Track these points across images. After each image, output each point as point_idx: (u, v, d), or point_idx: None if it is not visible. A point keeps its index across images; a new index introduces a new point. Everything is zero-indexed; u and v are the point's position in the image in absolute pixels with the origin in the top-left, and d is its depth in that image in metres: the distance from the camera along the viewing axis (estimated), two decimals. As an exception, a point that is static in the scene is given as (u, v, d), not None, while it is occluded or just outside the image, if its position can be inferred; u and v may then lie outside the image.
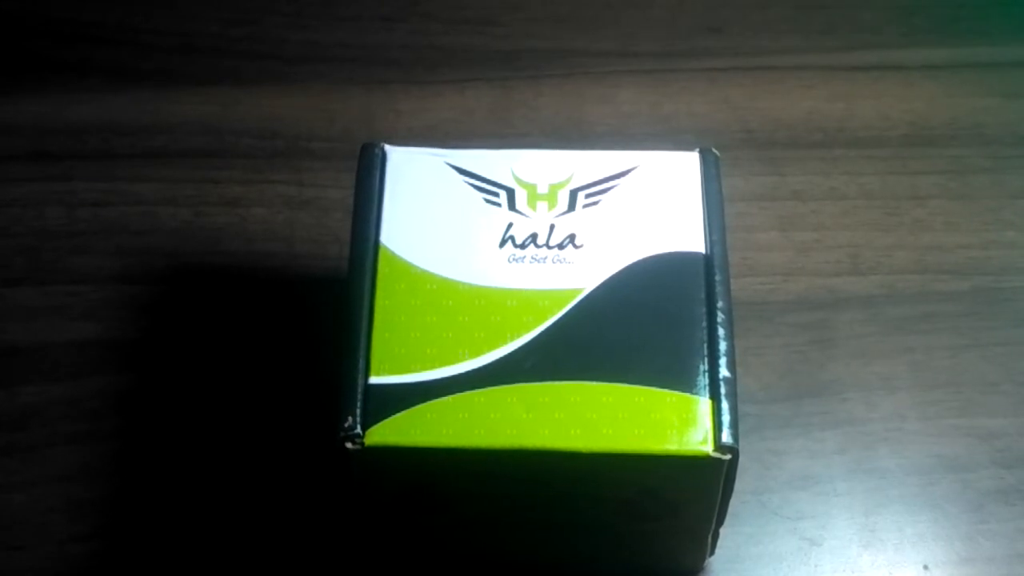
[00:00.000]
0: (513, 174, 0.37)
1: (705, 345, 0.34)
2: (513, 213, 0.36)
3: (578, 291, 0.35)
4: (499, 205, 0.36)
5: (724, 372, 0.34)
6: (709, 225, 0.36)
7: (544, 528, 0.36)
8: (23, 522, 0.41)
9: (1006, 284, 0.45)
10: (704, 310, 0.35)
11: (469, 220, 0.36)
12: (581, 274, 0.35)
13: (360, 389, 0.34)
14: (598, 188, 0.37)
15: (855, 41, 0.50)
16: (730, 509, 0.36)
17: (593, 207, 0.36)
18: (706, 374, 0.34)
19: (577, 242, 0.36)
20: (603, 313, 0.35)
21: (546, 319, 0.34)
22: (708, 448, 0.33)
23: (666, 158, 0.37)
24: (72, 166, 0.47)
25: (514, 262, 0.35)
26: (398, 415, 0.33)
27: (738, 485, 0.35)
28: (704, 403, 0.33)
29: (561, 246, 0.36)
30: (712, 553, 0.39)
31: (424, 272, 0.35)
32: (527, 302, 0.35)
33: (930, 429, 0.42)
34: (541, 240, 0.36)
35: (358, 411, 0.33)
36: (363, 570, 0.40)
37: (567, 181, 0.37)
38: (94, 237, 0.46)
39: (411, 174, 0.37)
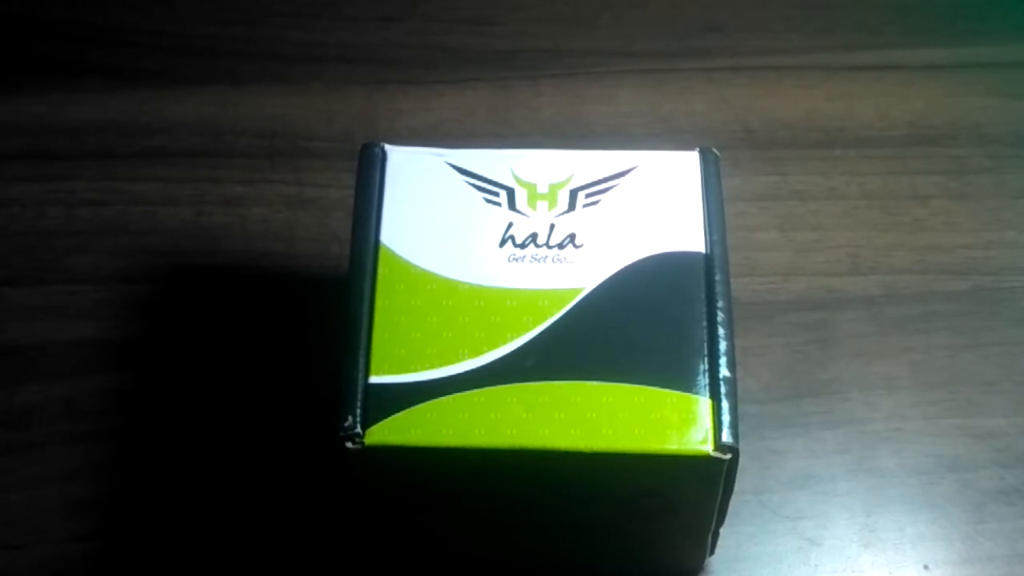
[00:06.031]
0: (513, 174, 0.37)
1: (705, 345, 0.34)
2: (513, 213, 0.36)
3: (578, 291, 0.35)
4: (499, 205, 0.36)
5: (724, 372, 0.34)
6: (709, 225, 0.36)
7: (544, 527, 0.36)
8: (21, 521, 0.41)
9: (1006, 284, 0.45)
10: (704, 310, 0.34)
11: (469, 220, 0.36)
12: (581, 274, 0.35)
13: (360, 389, 0.33)
14: (598, 188, 0.36)
15: (855, 41, 0.50)
16: (730, 508, 0.36)
17: (593, 207, 0.36)
18: (706, 374, 0.34)
19: (577, 242, 0.36)
20: (603, 313, 0.34)
21: (546, 319, 0.34)
22: (708, 448, 0.33)
23: (666, 158, 0.37)
24: (71, 166, 0.47)
25: (514, 262, 0.35)
26: (398, 415, 0.33)
27: (738, 485, 0.35)
28: (704, 403, 0.33)
29: (561, 246, 0.35)
30: (712, 553, 0.39)
31: (424, 272, 0.35)
32: (527, 302, 0.35)
33: (930, 429, 0.42)
34: (541, 240, 0.36)
35: (358, 411, 0.33)
36: (363, 570, 0.40)
37: (567, 181, 0.37)
38: (93, 237, 0.46)
39: (411, 174, 0.37)
